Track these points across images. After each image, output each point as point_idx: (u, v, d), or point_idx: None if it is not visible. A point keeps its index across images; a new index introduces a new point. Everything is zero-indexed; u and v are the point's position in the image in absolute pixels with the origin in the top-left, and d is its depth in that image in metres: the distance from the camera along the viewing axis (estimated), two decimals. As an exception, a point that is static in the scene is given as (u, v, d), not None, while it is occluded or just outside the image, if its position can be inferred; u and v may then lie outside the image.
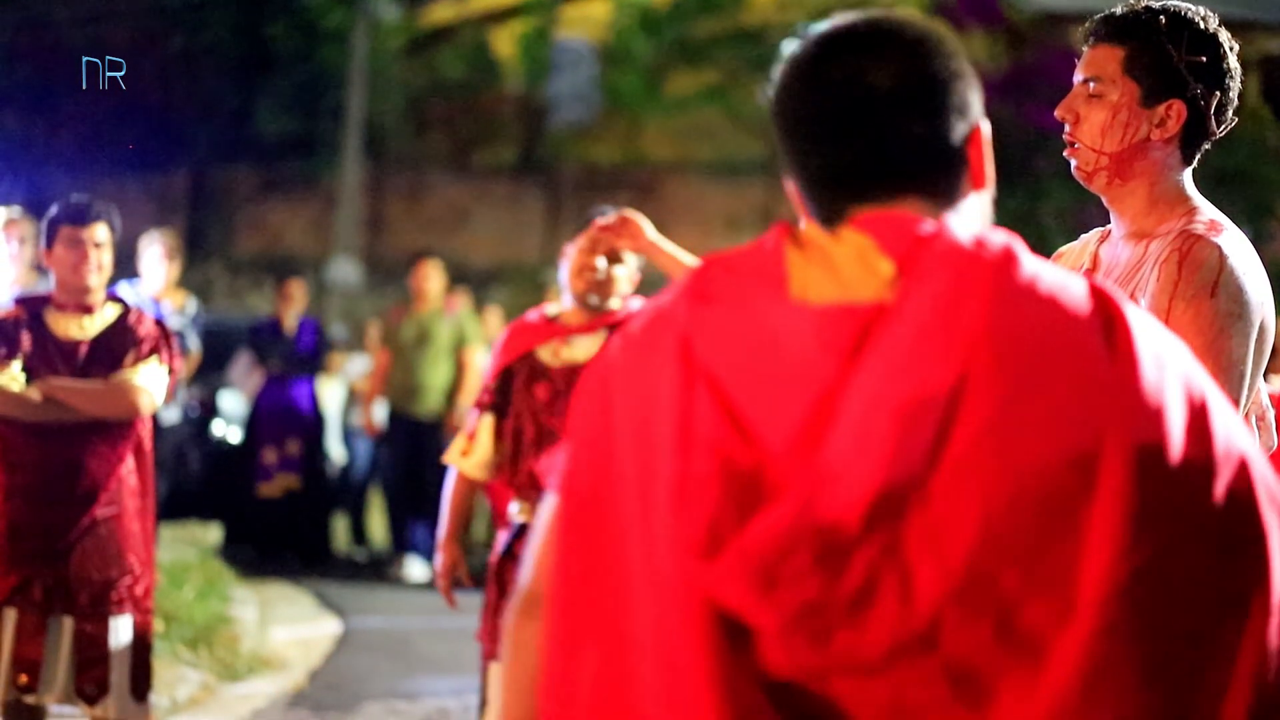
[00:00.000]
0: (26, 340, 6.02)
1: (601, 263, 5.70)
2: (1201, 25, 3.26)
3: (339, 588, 12.18)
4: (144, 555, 6.10)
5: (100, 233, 6.09)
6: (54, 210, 6.15)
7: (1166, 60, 3.22)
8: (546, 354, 5.77)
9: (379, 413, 13.32)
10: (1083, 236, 3.48)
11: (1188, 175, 3.31)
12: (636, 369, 2.03)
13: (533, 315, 5.93)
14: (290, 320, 13.22)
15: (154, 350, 6.09)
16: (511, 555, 5.73)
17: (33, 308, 6.13)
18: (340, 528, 14.11)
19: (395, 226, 27.18)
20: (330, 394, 13.89)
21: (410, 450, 12.46)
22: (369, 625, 10.94)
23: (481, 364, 11.52)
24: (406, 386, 12.76)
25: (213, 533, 13.40)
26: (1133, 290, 3.19)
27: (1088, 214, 20.54)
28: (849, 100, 2.07)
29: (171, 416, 11.04)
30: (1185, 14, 3.27)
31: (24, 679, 5.87)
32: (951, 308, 1.92)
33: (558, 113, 28.51)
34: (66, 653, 5.91)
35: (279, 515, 13.04)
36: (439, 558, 5.89)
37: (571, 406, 2.11)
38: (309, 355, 13.17)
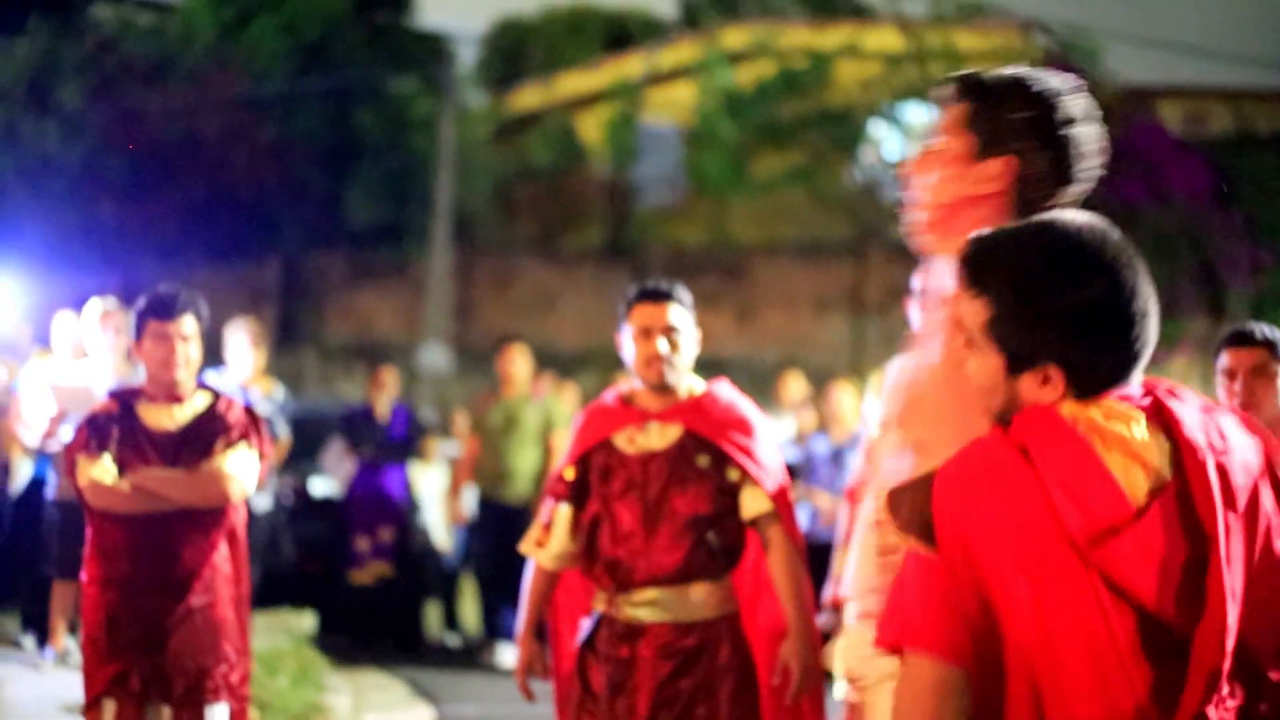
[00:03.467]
0: (117, 432, 6.06)
1: (664, 346, 5.60)
2: (1040, 86, 3.26)
3: (432, 675, 12.17)
4: (239, 643, 6.11)
5: (187, 325, 6.12)
6: (141, 303, 6.19)
7: (999, 117, 3.23)
8: (623, 441, 5.65)
9: (468, 499, 13.33)
10: None
11: None
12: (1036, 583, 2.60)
13: (609, 398, 5.80)
14: (382, 407, 13.28)
15: (243, 436, 6.12)
16: (592, 647, 5.66)
17: (125, 400, 6.18)
18: (433, 614, 14.11)
19: (484, 311, 27.28)
20: (431, 480, 13.90)
21: (501, 536, 12.38)
22: (462, 713, 10.92)
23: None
24: (495, 472, 12.76)
25: (306, 620, 13.43)
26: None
27: (1178, 288, 20.45)
28: (1147, 303, 2.73)
29: (264, 503, 11.09)
30: (1027, 76, 3.29)
31: (122, 769, 5.88)
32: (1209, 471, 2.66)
33: (644, 196, 28.61)
34: (164, 742, 5.92)
35: (372, 602, 13.06)
36: (518, 651, 5.83)
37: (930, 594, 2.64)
38: (401, 442, 13.21)
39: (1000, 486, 2.64)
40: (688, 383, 5.70)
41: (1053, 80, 3.29)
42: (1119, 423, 2.69)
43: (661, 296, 5.63)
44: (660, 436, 5.62)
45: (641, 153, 28.33)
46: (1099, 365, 2.72)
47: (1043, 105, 3.26)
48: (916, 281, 7.35)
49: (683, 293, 5.69)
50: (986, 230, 2.87)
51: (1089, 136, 3.29)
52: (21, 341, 11.06)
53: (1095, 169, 3.30)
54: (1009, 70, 3.33)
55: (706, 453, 5.59)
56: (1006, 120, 3.25)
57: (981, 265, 2.79)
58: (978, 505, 2.64)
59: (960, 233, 3.22)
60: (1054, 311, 2.70)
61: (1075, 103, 3.28)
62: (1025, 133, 3.24)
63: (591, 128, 28.75)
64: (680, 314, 5.63)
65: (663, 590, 5.53)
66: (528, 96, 30.07)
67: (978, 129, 3.28)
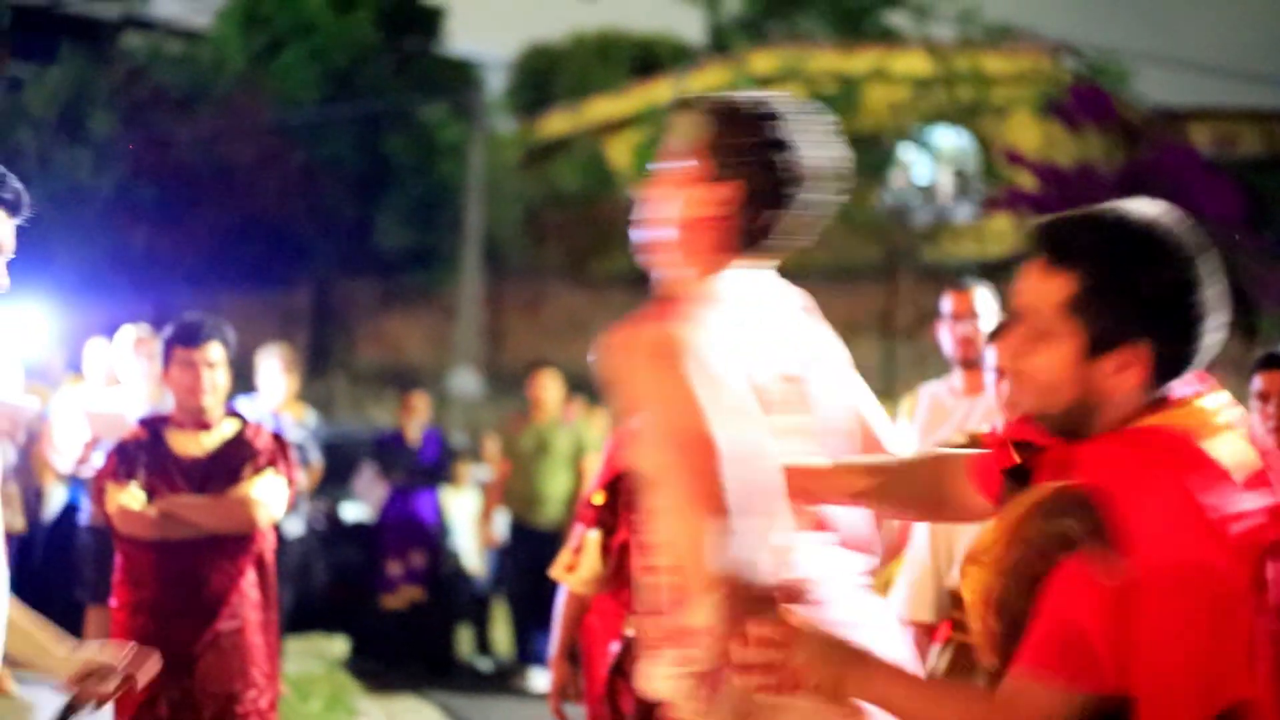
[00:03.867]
0: (146, 459, 6.09)
1: None
2: (766, 110, 3.31)
3: (464, 699, 12.16)
4: (268, 668, 6.11)
5: (213, 352, 6.14)
6: (168, 331, 6.22)
7: (732, 141, 3.28)
8: None
9: (500, 523, 13.33)
10: None
11: (747, 265, 3.35)
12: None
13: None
14: (413, 432, 13.28)
15: (271, 463, 6.13)
16: (622, 672, 5.64)
17: (154, 427, 6.21)
18: (465, 638, 14.11)
19: (514, 336, 27.35)
20: (461, 504, 13.91)
21: (532, 560, 12.37)
22: (494, 736, 10.91)
23: (601, 472, 11.47)
24: (527, 496, 12.76)
25: (338, 645, 13.44)
26: None
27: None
28: (1225, 292, 2.71)
29: (295, 529, 11.11)
30: (756, 100, 3.34)
31: (151, 794, 5.89)
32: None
33: (674, 220, 28.65)
34: (193, 767, 5.92)
35: (404, 627, 13.06)
36: (550, 675, 5.82)
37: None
38: (432, 466, 13.22)
39: (1173, 507, 2.57)
40: None
41: (781, 104, 3.34)
42: (1214, 419, 2.68)
43: None
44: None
45: (670, 177, 28.37)
46: (1185, 348, 2.67)
47: (767, 129, 3.30)
48: (946, 304, 7.36)
49: None
50: (1064, 213, 2.84)
51: (814, 160, 3.33)
52: (54, 368, 11.12)
53: (822, 192, 3.35)
54: (744, 94, 3.37)
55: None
56: (738, 144, 3.29)
57: (1068, 239, 2.71)
58: (1159, 525, 2.56)
59: (693, 253, 3.33)
60: (1151, 285, 2.63)
61: (802, 125, 3.33)
62: (752, 157, 3.28)
63: (620, 153, 28.82)
64: None
65: (692, 614, 5.51)
66: (557, 122, 30.16)
67: (714, 152, 3.31)
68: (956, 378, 7.26)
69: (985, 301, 7.29)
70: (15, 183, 3.42)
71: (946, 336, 7.36)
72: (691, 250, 3.34)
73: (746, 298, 3.33)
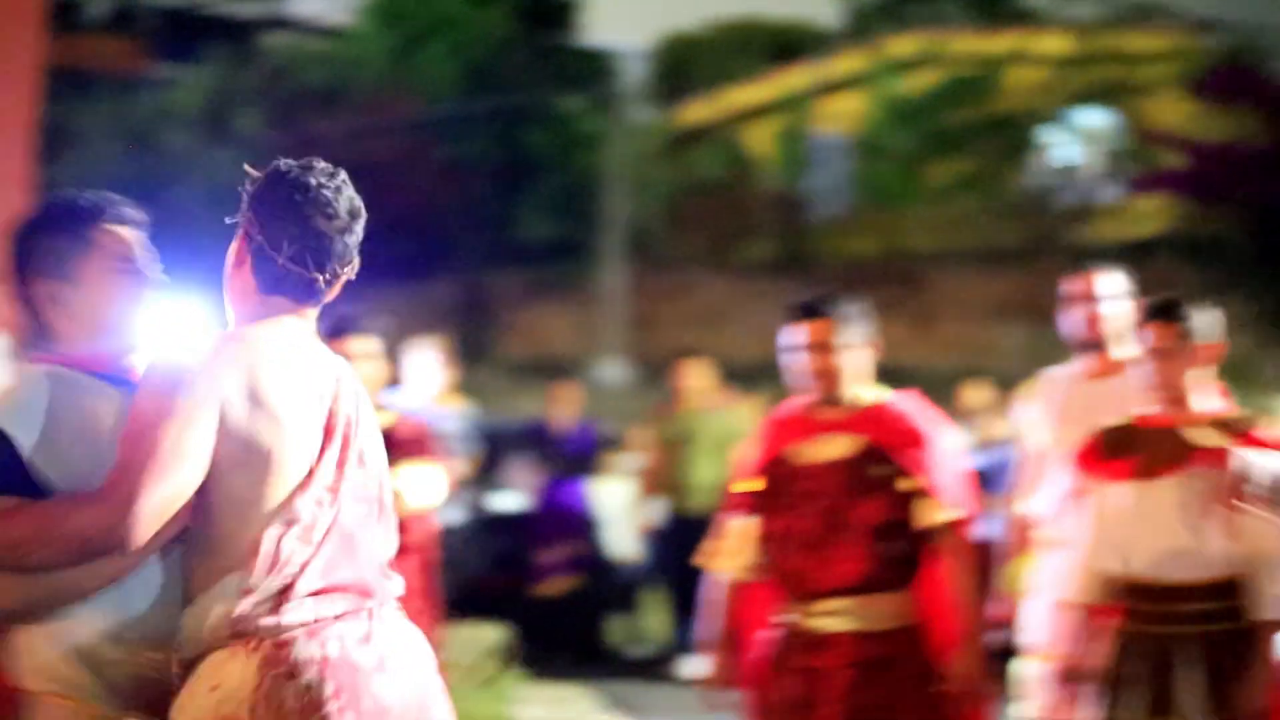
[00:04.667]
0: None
1: (815, 362, 5.51)
2: (266, 176, 3.80)
3: (621, 686, 12.22)
4: (428, 655, 6.20)
5: (362, 345, 6.21)
6: (321, 325, 6.34)
7: (248, 204, 3.78)
8: (801, 451, 5.60)
9: (654, 510, 13.39)
10: None
11: (285, 315, 3.80)
12: None
13: (787, 410, 5.72)
14: (563, 422, 13.40)
15: (417, 452, 6.18)
16: (777, 658, 5.63)
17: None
18: (619, 627, 14.18)
19: (659, 325, 27.41)
20: (610, 493, 13.96)
21: (685, 548, 12.42)
22: (653, 723, 10.97)
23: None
24: (677, 485, 12.82)
25: (496, 633, 13.57)
26: None
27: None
28: None
29: (456, 517, 11.24)
30: (270, 167, 3.82)
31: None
32: None
33: (815, 207, 28.61)
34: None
35: (558, 615, 13.17)
36: (703, 662, 5.85)
37: None
38: (583, 456, 13.31)
39: None
40: (865, 393, 5.61)
41: (295, 167, 3.82)
42: None
43: (809, 312, 5.54)
44: (838, 447, 5.55)
45: (811, 163, 28.34)
46: None
47: (277, 188, 3.77)
48: (1069, 287, 7.28)
49: (839, 305, 5.55)
50: None
51: (321, 208, 3.79)
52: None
53: (337, 235, 3.83)
54: (275, 162, 3.84)
55: (883, 463, 5.51)
56: (255, 205, 3.77)
57: None
58: None
59: (237, 304, 3.82)
60: None
61: (309, 178, 3.80)
62: (264, 215, 3.75)
63: (760, 140, 28.82)
64: (833, 328, 5.51)
65: (845, 600, 5.48)
66: (696, 110, 30.20)
67: (242, 216, 3.79)
68: (1080, 361, 7.21)
69: (1111, 284, 7.13)
70: (127, 201, 3.81)
71: (1068, 319, 7.28)
72: (235, 301, 3.82)
73: (279, 341, 3.75)
